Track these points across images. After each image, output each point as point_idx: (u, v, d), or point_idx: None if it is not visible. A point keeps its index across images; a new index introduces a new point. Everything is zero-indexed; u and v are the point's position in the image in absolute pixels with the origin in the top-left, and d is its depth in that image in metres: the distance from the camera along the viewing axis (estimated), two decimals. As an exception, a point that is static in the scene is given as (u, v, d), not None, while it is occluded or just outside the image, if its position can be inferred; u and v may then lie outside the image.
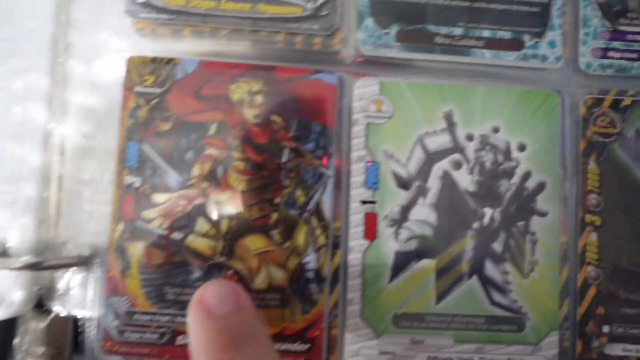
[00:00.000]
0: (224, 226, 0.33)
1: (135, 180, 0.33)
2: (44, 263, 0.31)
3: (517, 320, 0.34)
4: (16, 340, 0.33)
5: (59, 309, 0.33)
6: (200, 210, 0.33)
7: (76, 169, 0.33)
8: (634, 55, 0.35)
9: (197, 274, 0.33)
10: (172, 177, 0.34)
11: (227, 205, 0.33)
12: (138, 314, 0.33)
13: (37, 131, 0.33)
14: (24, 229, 0.32)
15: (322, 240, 0.34)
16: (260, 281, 0.33)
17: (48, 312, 0.33)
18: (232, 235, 0.33)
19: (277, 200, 0.34)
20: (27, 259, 0.31)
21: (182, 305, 0.33)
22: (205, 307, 0.26)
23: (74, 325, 0.34)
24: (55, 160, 0.33)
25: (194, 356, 0.26)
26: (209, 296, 0.27)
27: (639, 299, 0.34)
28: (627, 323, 0.34)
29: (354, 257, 0.34)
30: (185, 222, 0.33)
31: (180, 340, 0.32)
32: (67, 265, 0.32)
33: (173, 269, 0.33)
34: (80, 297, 0.33)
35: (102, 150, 0.33)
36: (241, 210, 0.33)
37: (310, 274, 0.33)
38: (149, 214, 0.33)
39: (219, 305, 0.26)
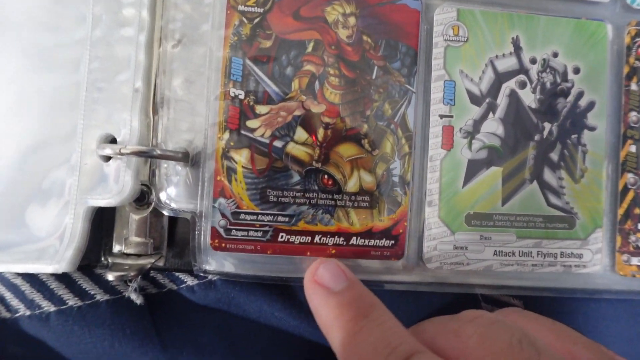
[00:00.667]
0: (320, 135, 0.35)
1: (240, 93, 0.34)
2: (152, 152, 0.31)
3: (569, 219, 0.36)
4: (116, 229, 0.34)
5: (159, 202, 0.33)
6: (299, 121, 0.34)
7: (179, 78, 0.34)
8: (673, -8, 0.38)
9: (296, 178, 0.34)
10: (274, 90, 0.34)
11: (322, 115, 0.35)
12: (243, 214, 0.33)
13: (144, 35, 0.32)
14: (133, 125, 0.32)
15: (406, 148, 0.35)
16: (352, 185, 0.34)
17: (148, 204, 0.33)
18: (327, 144, 0.34)
19: (368, 112, 0.35)
20: (135, 146, 0.31)
21: (283, 206, 0.33)
22: (324, 286, 0.28)
23: (171, 220, 0.34)
24: (156, 63, 0.33)
25: (327, 330, 0.27)
26: (322, 275, 0.29)
27: None
28: None
29: (433, 165, 0.36)
30: (285, 131, 0.34)
31: (282, 237, 0.34)
32: (173, 158, 0.32)
33: (275, 174, 0.34)
34: (181, 192, 0.33)
35: (207, 65, 0.34)
36: (336, 121, 0.35)
37: (396, 179, 0.35)
38: (252, 123, 0.34)
39: (335, 282, 0.28)
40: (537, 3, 0.36)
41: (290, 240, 0.33)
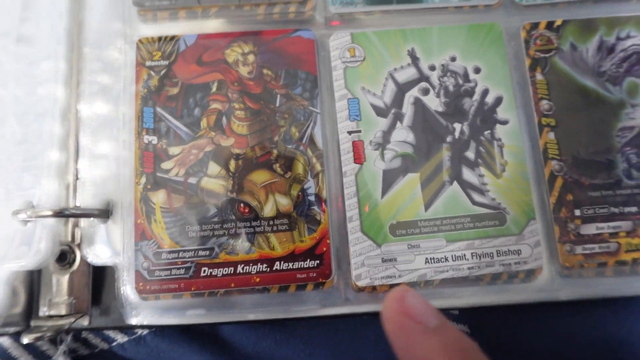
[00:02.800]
0: (232, 167, 0.28)
1: (153, 138, 0.28)
2: (65, 212, 0.25)
3: (498, 215, 0.26)
4: (40, 291, 0.26)
5: (81, 259, 0.26)
6: (211, 156, 0.27)
7: (95, 137, 0.28)
8: (558, -15, 0.31)
9: (212, 210, 0.26)
10: (184, 131, 0.28)
11: (232, 148, 0.29)
12: (165, 253, 0.25)
13: (58, 107, 0.27)
14: (49, 189, 0.26)
15: (318, 167, 0.27)
16: (268, 209, 0.27)
17: (71, 264, 0.26)
18: (239, 174, 0.26)
19: (276, 138, 0.27)
20: (52, 207, 0.25)
21: (203, 240, 0.25)
22: (416, 320, 0.19)
23: (95, 275, 0.27)
24: (72, 129, 0.27)
25: None
26: (413, 306, 0.19)
27: (601, 182, 0.27)
28: (594, 205, 0.27)
29: (348, 180, 0.29)
30: (198, 167, 0.26)
31: (204, 272, 0.27)
32: (89, 215, 0.25)
33: (192, 210, 0.26)
34: (103, 246, 0.26)
35: (121, 118, 0.29)
36: (245, 151, 0.29)
37: (312, 198, 0.27)
38: (166, 165, 0.26)
39: (429, 317, 0.19)
40: (428, 19, 0.31)
41: (213, 273, 0.26)
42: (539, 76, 0.27)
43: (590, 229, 0.26)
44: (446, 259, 0.25)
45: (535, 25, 0.28)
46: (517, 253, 0.25)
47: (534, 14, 0.29)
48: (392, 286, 0.25)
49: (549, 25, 0.28)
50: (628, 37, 0.28)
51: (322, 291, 0.25)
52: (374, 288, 0.25)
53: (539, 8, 0.29)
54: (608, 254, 0.25)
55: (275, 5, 0.28)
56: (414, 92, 0.27)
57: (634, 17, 0.28)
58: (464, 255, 0.25)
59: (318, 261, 0.25)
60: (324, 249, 0.25)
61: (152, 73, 0.27)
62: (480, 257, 0.25)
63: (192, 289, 0.25)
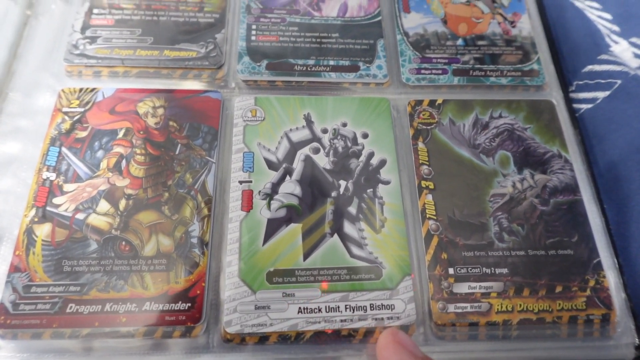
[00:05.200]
0: (122, 206, 0.26)
1: (51, 175, 0.26)
2: None
3: (375, 269, 0.25)
4: None
5: None
6: (104, 194, 0.26)
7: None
8: (439, 72, 0.31)
9: (93, 246, 0.25)
10: (83, 171, 0.27)
11: (126, 188, 0.27)
12: (35, 287, 0.23)
13: None
14: None
15: (205, 211, 0.26)
16: (149, 249, 0.24)
17: None
18: (128, 213, 0.25)
19: (169, 182, 0.26)
20: None
21: (77, 275, 0.23)
22: (408, 349, 0.21)
23: None
24: None
25: None
26: (404, 339, 0.21)
27: (474, 243, 0.26)
28: (467, 264, 0.25)
29: (233, 226, 0.27)
30: (89, 204, 0.25)
31: (70, 308, 0.24)
32: None
33: (73, 245, 0.24)
34: None
35: (27, 157, 0.27)
36: (138, 192, 0.27)
37: (195, 240, 0.25)
38: (58, 200, 0.25)
39: (416, 349, 0.21)
40: (325, 92, 0.31)
41: (79, 310, 0.23)
42: (420, 144, 0.27)
43: (462, 288, 0.23)
44: (319, 310, 0.22)
45: (419, 102, 0.28)
46: (390, 308, 0.22)
47: (420, 92, 0.29)
48: (262, 337, 0.23)
49: (432, 103, 0.28)
50: (500, 116, 0.28)
51: (189, 340, 0.21)
52: (242, 339, 0.21)
53: (425, 88, 0.29)
54: (479, 313, 0.23)
55: (191, 71, 0.27)
56: (306, 151, 0.26)
57: (505, 101, 0.29)
58: (338, 306, 0.22)
59: (190, 304, 0.22)
60: (198, 292, 0.22)
61: (66, 117, 0.26)
62: (353, 310, 0.22)
63: (54, 325, 0.21)
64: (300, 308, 0.23)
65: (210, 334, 0.23)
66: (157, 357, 0.22)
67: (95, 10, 0.31)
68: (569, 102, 0.32)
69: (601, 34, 0.33)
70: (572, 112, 0.31)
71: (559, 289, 0.25)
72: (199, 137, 0.27)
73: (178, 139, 0.27)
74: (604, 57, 0.32)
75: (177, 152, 0.27)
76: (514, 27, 0.33)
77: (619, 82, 0.31)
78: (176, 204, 0.25)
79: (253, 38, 0.31)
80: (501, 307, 0.24)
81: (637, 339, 0.24)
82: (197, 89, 0.29)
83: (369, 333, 0.23)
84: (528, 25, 0.33)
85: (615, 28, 0.34)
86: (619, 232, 0.27)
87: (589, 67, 0.32)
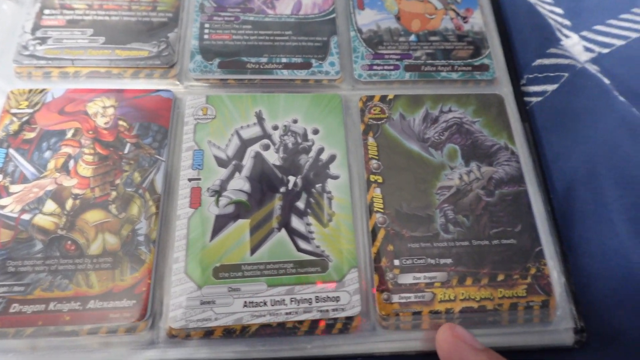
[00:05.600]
0: (68, 205, 0.26)
1: None
2: None
3: (321, 262, 0.25)
4: None
5: None
6: (50, 195, 0.26)
7: None
8: (391, 68, 0.32)
9: (38, 246, 0.25)
10: (30, 171, 0.27)
11: (73, 188, 0.27)
12: None
13: None
14: None
15: (153, 209, 0.26)
16: (95, 247, 0.24)
17: None
18: (74, 212, 0.25)
19: (117, 181, 0.27)
20: None
21: (21, 275, 0.23)
22: (467, 342, 0.22)
23: None
24: None
25: None
26: (462, 333, 0.23)
27: (420, 235, 0.27)
28: (413, 256, 0.26)
29: (181, 223, 0.27)
30: (35, 205, 0.25)
31: (14, 308, 0.24)
32: None
33: (18, 245, 0.24)
34: None
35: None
36: (85, 191, 0.27)
37: (141, 238, 0.25)
38: (4, 201, 0.25)
39: (475, 341, 0.22)
40: (277, 89, 0.31)
41: (23, 310, 0.23)
42: (370, 139, 0.27)
43: (407, 279, 0.24)
44: (265, 303, 0.23)
45: (370, 98, 0.29)
46: (335, 300, 0.23)
47: (373, 88, 0.30)
48: (207, 331, 0.23)
49: (383, 98, 0.29)
50: (450, 110, 0.29)
51: (134, 336, 0.22)
52: (187, 334, 0.22)
53: (377, 84, 0.30)
54: (423, 303, 0.23)
55: (142, 70, 0.28)
56: (256, 147, 0.27)
57: (455, 95, 0.30)
58: (283, 300, 0.23)
59: (135, 301, 0.22)
60: (144, 289, 0.22)
61: (15, 119, 0.26)
62: (299, 303, 0.23)
63: (-3, 326, 0.21)
64: (245, 302, 0.24)
65: (155, 330, 0.23)
66: (102, 354, 0.23)
67: (46, 11, 0.31)
68: (520, 95, 0.32)
69: (552, 28, 0.34)
70: (523, 105, 0.32)
71: (500, 277, 0.25)
72: (148, 136, 0.28)
73: (127, 139, 0.28)
74: (552, 50, 0.33)
75: (126, 152, 0.27)
76: (466, 22, 0.34)
77: (567, 75, 0.31)
78: (124, 203, 0.26)
79: (206, 37, 0.31)
80: (444, 296, 0.25)
81: (576, 324, 0.25)
82: (149, 88, 0.29)
83: (313, 325, 0.24)
84: (480, 21, 0.34)
85: (567, 22, 0.35)
86: (564, 220, 0.28)
87: (539, 61, 0.32)
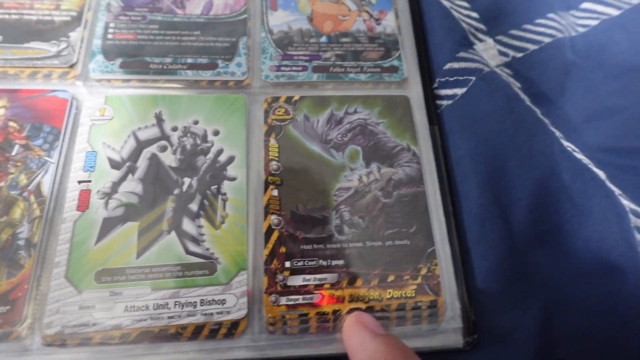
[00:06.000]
0: None
1: None
2: None
3: (209, 265, 0.25)
4: None
5: None
6: None
7: None
8: (299, 69, 0.32)
9: None
10: None
11: None
12: None
13: None
14: None
15: (37, 212, 0.26)
16: None
17: None
18: None
19: (1, 184, 0.27)
20: None
21: None
22: (368, 327, 0.23)
23: None
24: None
25: None
26: (366, 319, 0.24)
27: (314, 236, 0.27)
28: (305, 257, 0.26)
29: (66, 226, 0.26)
30: None
31: None
32: None
33: None
34: None
35: None
36: None
37: (22, 242, 0.25)
38: None
39: (377, 327, 0.23)
40: (182, 90, 0.31)
41: None
42: (272, 141, 0.28)
43: (297, 281, 0.24)
44: (147, 307, 0.23)
45: (276, 99, 0.29)
46: (221, 303, 0.23)
47: (282, 89, 0.30)
48: (84, 338, 0.23)
49: (288, 99, 0.29)
50: (355, 112, 0.29)
51: (8, 343, 0.21)
52: (64, 341, 0.21)
53: (285, 85, 0.31)
54: (310, 305, 0.23)
55: (40, 70, 0.27)
56: (153, 149, 0.26)
57: (362, 97, 0.30)
58: (167, 303, 0.23)
59: (9, 307, 0.22)
60: (19, 294, 0.22)
61: None
62: (183, 306, 0.23)
63: None
64: (126, 306, 0.24)
65: (30, 337, 0.23)
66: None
67: (-58, 9, 0.31)
68: (432, 98, 0.33)
69: (465, 32, 0.35)
70: (435, 108, 0.33)
71: (391, 278, 0.26)
72: (39, 138, 0.27)
73: (17, 140, 0.27)
74: (462, 54, 0.33)
75: (13, 153, 0.27)
76: (379, 24, 0.34)
77: (474, 79, 0.32)
78: (5, 206, 0.25)
79: (110, 36, 0.31)
80: (333, 298, 0.25)
81: (466, 325, 0.25)
82: (46, 88, 0.29)
83: (198, 329, 0.24)
84: (393, 23, 0.34)
85: (482, 26, 0.36)
86: (462, 221, 0.29)
87: (449, 65, 0.33)
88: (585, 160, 0.31)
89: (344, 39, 0.33)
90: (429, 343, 0.25)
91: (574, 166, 0.30)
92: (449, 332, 0.25)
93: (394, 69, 0.33)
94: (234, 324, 0.24)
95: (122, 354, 0.23)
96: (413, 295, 0.25)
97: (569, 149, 0.30)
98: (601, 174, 0.31)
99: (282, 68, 0.32)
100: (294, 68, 0.32)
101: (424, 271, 0.26)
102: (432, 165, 0.30)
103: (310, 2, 0.35)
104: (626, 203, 0.28)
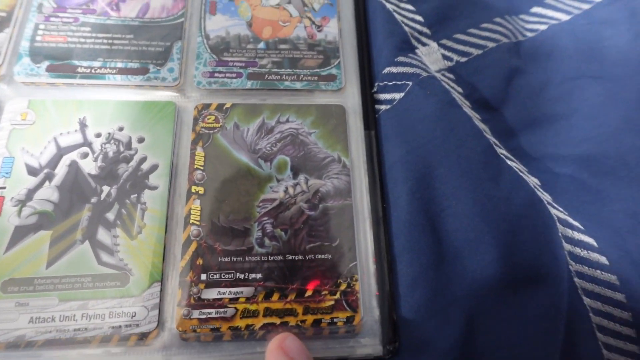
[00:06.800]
0: None
1: None
2: None
3: (122, 276, 0.25)
4: None
5: None
6: None
7: None
8: (233, 75, 0.32)
9: None
10: None
11: None
12: None
13: None
14: None
15: None
16: None
17: None
18: None
19: None
20: None
21: None
22: (288, 355, 0.23)
23: None
24: None
25: None
26: (289, 346, 0.24)
27: (233, 249, 0.27)
28: (222, 270, 0.26)
29: None
30: None
31: None
32: None
33: None
34: None
35: None
36: None
37: None
38: None
39: (299, 356, 0.23)
40: (111, 94, 0.31)
41: None
42: (199, 149, 0.28)
43: (211, 294, 0.24)
44: (53, 319, 0.23)
45: (207, 106, 0.29)
46: (131, 315, 0.23)
47: (215, 96, 0.30)
48: None
49: (219, 107, 0.29)
50: (287, 121, 0.29)
51: None
52: None
53: (218, 91, 0.31)
54: (223, 319, 0.23)
55: None
56: (73, 155, 0.27)
57: (296, 105, 0.30)
58: (74, 315, 0.23)
59: None
60: None
61: None
62: (90, 318, 0.23)
63: None
64: (32, 318, 0.24)
65: None
66: None
67: None
68: (372, 102, 0.33)
69: (406, 36, 0.35)
70: (373, 113, 0.32)
71: (309, 292, 0.26)
72: (-46, 142, 0.27)
73: None
74: (401, 59, 0.33)
75: None
76: (320, 31, 0.34)
77: (410, 84, 0.32)
78: None
79: (38, 38, 0.31)
80: (247, 312, 0.25)
81: (385, 336, 0.26)
82: (-35, 90, 0.29)
83: (104, 342, 0.24)
84: (335, 30, 0.35)
85: (426, 30, 0.36)
86: (390, 229, 0.29)
87: (388, 69, 0.33)
88: (519, 167, 0.31)
89: (283, 46, 0.33)
90: (350, 352, 0.25)
91: (505, 174, 0.30)
92: (369, 339, 0.26)
93: (331, 78, 0.33)
94: (143, 336, 0.24)
95: (23, 366, 0.23)
96: (329, 311, 0.26)
97: (502, 156, 0.31)
98: (534, 182, 0.31)
99: (216, 74, 0.32)
100: (228, 74, 0.32)
101: (343, 286, 0.26)
102: (362, 174, 0.30)
103: (251, 7, 0.35)
104: (555, 212, 0.29)
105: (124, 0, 0.33)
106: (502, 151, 0.32)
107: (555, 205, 0.30)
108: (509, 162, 0.31)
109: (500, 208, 0.28)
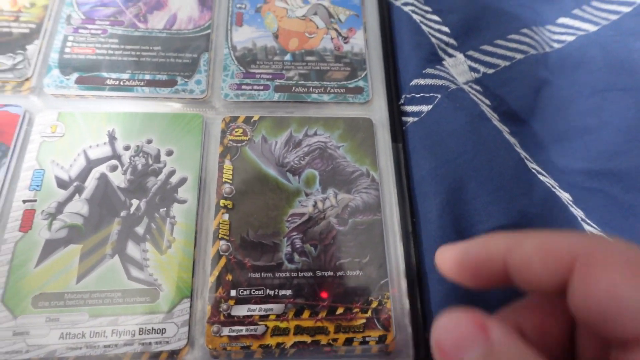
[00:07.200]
0: None
1: None
2: None
3: (151, 291, 0.25)
4: None
5: None
6: None
7: None
8: (260, 88, 0.32)
9: None
10: None
11: None
12: None
13: None
14: None
15: None
16: None
17: None
18: None
19: None
20: None
21: None
22: (446, 355, 0.15)
23: None
24: None
25: None
26: (442, 339, 0.15)
27: (263, 264, 0.27)
28: (252, 286, 0.26)
29: (6, 247, 0.26)
30: None
31: None
32: None
33: None
34: None
35: None
36: None
37: None
38: None
39: (459, 351, 0.15)
40: (139, 106, 0.31)
41: None
42: (227, 162, 0.28)
43: (241, 311, 0.24)
44: (83, 335, 0.23)
45: (234, 119, 0.29)
46: (161, 332, 0.23)
47: (243, 108, 0.30)
48: None
49: (247, 120, 0.29)
50: (315, 134, 0.29)
51: None
52: None
53: (246, 104, 0.31)
54: (254, 337, 0.23)
55: None
56: (102, 168, 0.27)
57: (324, 118, 0.30)
58: (104, 331, 0.23)
59: None
60: None
61: None
62: (120, 335, 0.23)
63: None
64: (62, 333, 0.24)
65: (-41, 363, 0.23)
66: None
67: None
68: (398, 115, 0.33)
69: (434, 48, 0.35)
70: (400, 126, 0.32)
71: (340, 310, 0.26)
72: (-15, 154, 0.28)
73: (-38, 156, 0.27)
74: (429, 70, 0.33)
75: (-43, 170, 0.27)
76: (346, 42, 0.34)
77: (439, 96, 0.32)
78: (-55, 225, 0.25)
79: (67, 50, 0.31)
80: (277, 329, 0.25)
81: (416, 351, 0.25)
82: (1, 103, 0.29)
83: (134, 359, 0.24)
84: (361, 42, 0.35)
85: (452, 41, 0.36)
86: (421, 244, 0.28)
87: (415, 81, 0.33)
88: (550, 182, 0.31)
89: (309, 58, 0.33)
90: (378, 375, 0.25)
91: (537, 189, 0.30)
92: (402, 357, 0.25)
93: (358, 90, 0.33)
94: (173, 353, 0.24)
95: (54, 383, 0.23)
96: (361, 330, 0.25)
97: (533, 170, 0.30)
98: (566, 197, 0.30)
99: (244, 87, 0.32)
100: (255, 87, 0.32)
101: (374, 304, 0.26)
102: (392, 187, 0.30)
103: (278, 19, 0.35)
104: (588, 229, 0.28)
105: (151, 12, 0.34)
106: (533, 165, 0.31)
107: (588, 221, 0.30)
108: (540, 177, 0.30)
109: (534, 224, 0.28)
